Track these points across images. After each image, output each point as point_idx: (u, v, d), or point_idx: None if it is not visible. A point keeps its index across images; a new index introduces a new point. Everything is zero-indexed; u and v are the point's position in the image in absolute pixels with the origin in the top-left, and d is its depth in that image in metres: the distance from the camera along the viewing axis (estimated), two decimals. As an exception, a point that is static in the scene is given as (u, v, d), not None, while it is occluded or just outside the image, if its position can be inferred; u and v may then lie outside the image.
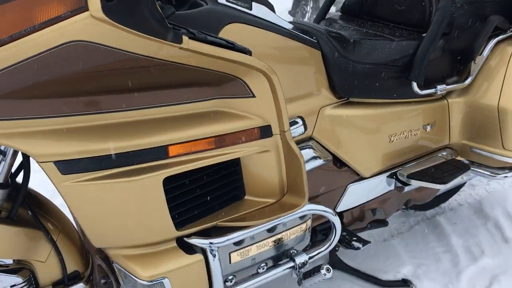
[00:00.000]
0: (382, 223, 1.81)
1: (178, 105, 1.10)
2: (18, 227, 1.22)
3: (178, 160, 1.11)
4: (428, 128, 1.80)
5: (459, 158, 1.95)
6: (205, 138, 1.13)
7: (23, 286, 1.25)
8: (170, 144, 1.09)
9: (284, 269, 1.37)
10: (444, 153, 1.91)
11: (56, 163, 1.02)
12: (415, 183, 1.74)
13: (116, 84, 1.00)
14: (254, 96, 1.16)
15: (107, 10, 0.84)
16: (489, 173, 1.85)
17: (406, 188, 1.79)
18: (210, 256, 1.21)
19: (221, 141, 1.15)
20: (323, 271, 1.34)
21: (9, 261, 1.25)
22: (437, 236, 2.26)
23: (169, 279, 1.18)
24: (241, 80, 1.14)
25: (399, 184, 1.78)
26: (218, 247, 1.21)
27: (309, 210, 1.33)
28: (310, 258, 1.40)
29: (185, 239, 1.22)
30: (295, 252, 1.40)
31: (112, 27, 0.87)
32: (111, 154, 1.05)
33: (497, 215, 2.40)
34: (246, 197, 1.31)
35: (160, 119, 1.09)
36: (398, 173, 1.76)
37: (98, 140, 1.03)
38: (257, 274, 1.35)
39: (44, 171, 1.03)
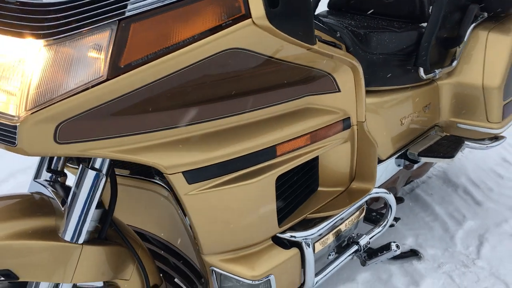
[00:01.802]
0: (399, 200, 1.96)
1: (279, 104, 1.14)
2: (109, 247, 1.17)
3: (284, 158, 1.15)
4: (426, 109, 1.98)
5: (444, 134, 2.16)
6: (303, 135, 1.17)
7: (116, 308, 1.21)
8: (277, 144, 1.12)
9: (351, 253, 1.46)
10: (434, 131, 2.11)
11: (185, 173, 1.01)
12: (425, 160, 1.90)
13: (241, 88, 1.01)
14: (339, 91, 1.23)
15: (271, 16, 0.86)
16: (478, 144, 2.08)
17: (415, 166, 1.96)
18: (305, 248, 1.26)
19: (314, 136, 1.20)
20: (393, 248, 1.44)
21: (100, 284, 1.19)
22: (422, 207, 2.48)
23: (274, 275, 1.21)
24: (331, 76, 1.19)
25: (407, 163, 1.94)
26: (311, 239, 1.26)
27: (375, 193, 1.42)
28: (370, 238, 1.49)
29: (279, 235, 1.25)
30: (356, 235, 1.49)
31: (269, 33, 0.89)
32: (231, 159, 1.06)
33: (463, 183, 2.69)
34: (319, 188, 1.38)
35: (265, 120, 1.12)
36: (408, 153, 1.91)
37: (220, 146, 1.04)
38: (330, 262, 1.42)
39: (171, 183, 1.01)
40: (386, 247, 1.45)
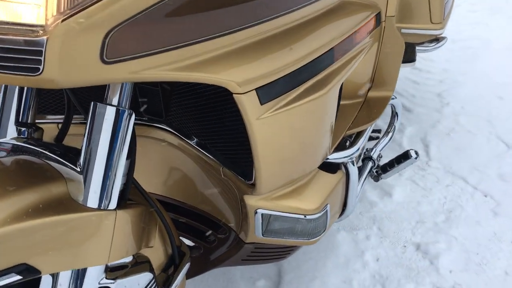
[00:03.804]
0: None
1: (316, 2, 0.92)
2: (136, 208, 0.89)
3: (341, 63, 0.95)
4: (379, 15, 1.89)
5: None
6: (351, 35, 0.98)
7: (153, 282, 0.95)
8: (333, 46, 0.92)
9: (369, 170, 1.34)
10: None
11: (258, 90, 0.77)
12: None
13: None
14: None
15: None
16: (423, 48, 2.06)
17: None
18: (350, 169, 1.10)
19: (359, 36, 1.02)
20: (413, 155, 1.34)
21: (129, 259, 0.91)
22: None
23: (329, 204, 1.04)
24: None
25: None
26: (355, 157, 1.11)
27: (393, 99, 1.30)
28: (381, 150, 1.39)
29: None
30: (366, 151, 1.37)
31: None
32: (297, 69, 0.84)
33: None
34: (341, 102, 1.21)
35: (314, 19, 0.90)
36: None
37: (285, 53, 0.82)
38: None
39: (242, 106, 0.77)
40: (404, 156, 1.35)
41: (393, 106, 1.45)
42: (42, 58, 0.56)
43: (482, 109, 2.58)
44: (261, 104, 0.77)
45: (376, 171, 1.37)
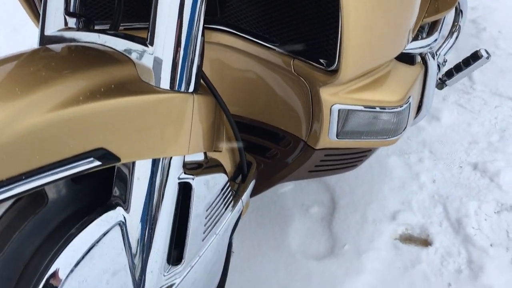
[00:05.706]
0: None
1: None
2: (208, 96, 0.78)
3: None
4: None
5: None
6: None
7: (228, 186, 0.86)
8: None
9: (437, 74, 1.23)
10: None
11: None
12: None
13: None
14: None
15: None
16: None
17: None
18: (429, 61, 1.00)
19: None
20: (484, 54, 1.22)
21: (201, 157, 0.82)
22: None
23: (412, 96, 0.94)
24: None
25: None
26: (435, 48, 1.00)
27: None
28: (445, 54, 1.28)
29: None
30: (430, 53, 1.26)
31: None
32: None
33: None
34: None
35: None
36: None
37: None
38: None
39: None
40: (474, 57, 1.23)
41: (457, 4, 1.32)
42: None
43: (520, 32, 2.45)
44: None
45: (440, 78, 1.26)
